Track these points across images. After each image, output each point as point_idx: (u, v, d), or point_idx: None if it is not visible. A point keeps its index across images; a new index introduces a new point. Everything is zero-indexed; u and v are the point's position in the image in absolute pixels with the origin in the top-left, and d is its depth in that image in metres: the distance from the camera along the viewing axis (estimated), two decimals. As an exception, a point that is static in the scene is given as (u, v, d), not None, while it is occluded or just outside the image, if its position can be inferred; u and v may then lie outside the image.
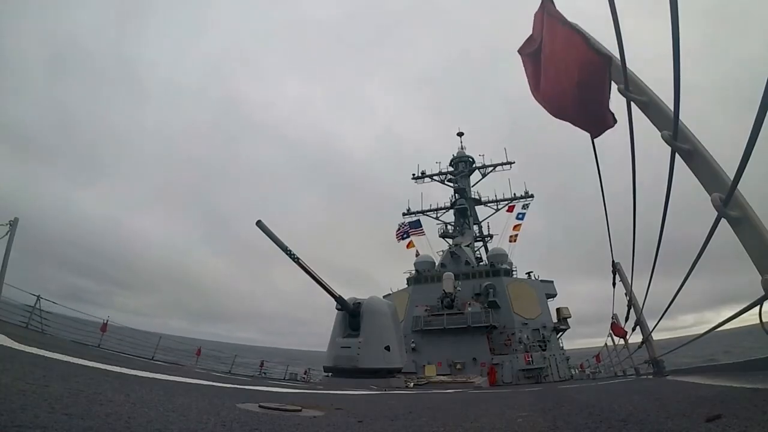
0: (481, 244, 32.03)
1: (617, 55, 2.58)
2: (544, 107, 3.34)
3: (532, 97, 3.44)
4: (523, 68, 3.50)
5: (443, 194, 33.71)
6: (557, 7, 3.10)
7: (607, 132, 3.13)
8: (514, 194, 31.94)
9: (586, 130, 3.18)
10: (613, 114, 2.93)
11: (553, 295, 28.07)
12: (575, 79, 2.82)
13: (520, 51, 3.44)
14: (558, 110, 3.28)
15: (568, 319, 26.24)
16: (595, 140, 3.52)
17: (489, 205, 32.70)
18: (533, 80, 3.35)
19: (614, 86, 2.85)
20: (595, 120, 3.01)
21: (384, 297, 19.08)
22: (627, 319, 8.64)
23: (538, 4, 3.34)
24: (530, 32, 3.50)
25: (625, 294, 8.15)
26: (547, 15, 3.07)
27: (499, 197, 32.30)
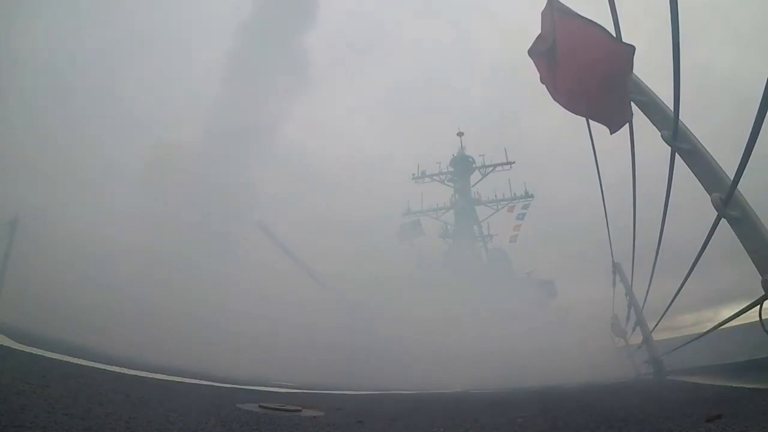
0: (481, 244, 31.95)
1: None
2: (564, 105, 3.30)
3: (551, 97, 3.39)
4: (536, 69, 3.43)
5: (444, 194, 33.50)
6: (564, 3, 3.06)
7: (606, 131, 3.12)
8: (514, 194, 31.86)
9: (606, 125, 3.14)
10: (630, 107, 2.89)
11: (554, 296, 28.01)
12: (603, 72, 2.76)
13: (530, 51, 3.39)
14: (579, 107, 3.24)
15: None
16: (594, 140, 3.52)
17: (489, 205, 32.63)
18: (550, 79, 3.30)
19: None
20: (615, 114, 2.97)
21: None
22: (627, 319, 8.63)
23: (545, 3, 3.29)
24: (535, 33, 3.47)
25: (625, 294, 8.14)
26: (558, 12, 3.03)
27: (499, 197, 32.23)
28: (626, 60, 2.66)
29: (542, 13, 3.20)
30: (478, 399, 5.08)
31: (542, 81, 3.35)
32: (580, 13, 2.92)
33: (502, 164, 33.18)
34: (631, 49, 2.63)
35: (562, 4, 3.03)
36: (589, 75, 2.86)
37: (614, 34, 2.55)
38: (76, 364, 3.92)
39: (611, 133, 3.14)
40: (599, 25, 2.75)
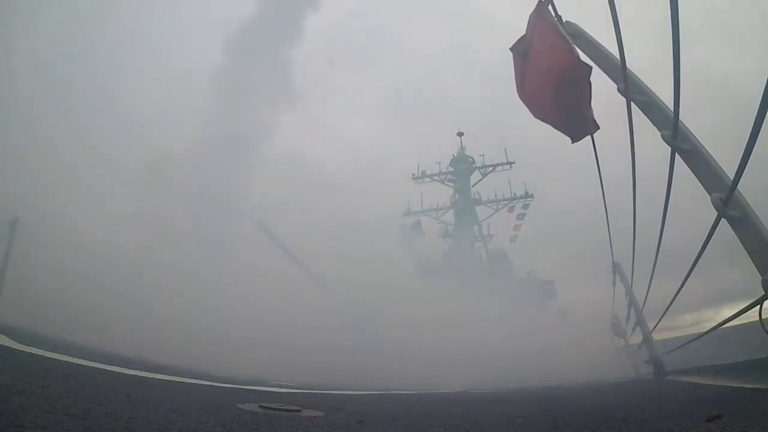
0: (481, 244, 31.97)
1: (617, 55, 2.58)
2: (528, 108, 3.38)
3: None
4: (513, 66, 3.51)
5: (444, 194, 33.55)
6: (555, 11, 3.11)
7: (608, 131, 3.13)
8: (514, 194, 31.88)
9: (566, 134, 3.22)
10: (595, 120, 2.97)
11: (554, 296, 28.02)
12: (553, 82, 2.87)
13: (512, 49, 3.45)
14: (539, 112, 3.32)
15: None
16: (594, 140, 3.51)
17: (489, 205, 32.64)
18: (520, 80, 3.37)
19: (614, 86, 2.85)
20: (574, 125, 3.06)
21: None
22: (627, 319, 8.63)
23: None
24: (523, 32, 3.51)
25: (625, 294, 8.14)
26: (538, 17, 3.09)
27: (499, 197, 32.25)
28: (581, 77, 2.75)
29: (530, 15, 3.26)
30: (478, 399, 5.08)
31: (515, 81, 3.43)
32: (578, 13, 2.96)
33: (502, 164, 33.17)
34: (588, 68, 2.74)
35: (548, 10, 3.08)
36: (546, 83, 2.95)
37: (614, 34, 2.55)
38: (76, 364, 3.92)
39: (572, 143, 3.24)
40: (568, 40, 2.83)
